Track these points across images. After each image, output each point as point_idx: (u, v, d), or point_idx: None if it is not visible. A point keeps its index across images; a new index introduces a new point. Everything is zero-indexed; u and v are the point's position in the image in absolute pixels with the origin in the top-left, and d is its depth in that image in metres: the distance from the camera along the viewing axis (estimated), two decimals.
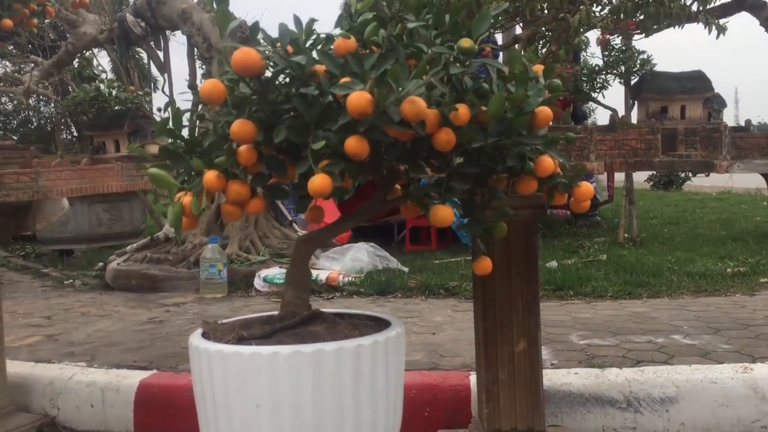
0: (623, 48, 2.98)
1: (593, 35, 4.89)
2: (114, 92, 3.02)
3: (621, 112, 4.61)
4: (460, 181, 1.53)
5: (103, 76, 3.10)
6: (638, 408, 3.16)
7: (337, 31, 1.46)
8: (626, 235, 8.11)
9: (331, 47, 1.41)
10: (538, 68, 1.60)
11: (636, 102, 3.11)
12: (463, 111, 1.38)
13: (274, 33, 1.44)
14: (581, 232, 8.94)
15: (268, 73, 1.43)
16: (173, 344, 4.27)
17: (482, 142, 1.44)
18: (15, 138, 12.77)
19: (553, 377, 3.28)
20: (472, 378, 3.29)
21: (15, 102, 11.67)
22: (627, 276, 5.94)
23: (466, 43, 1.37)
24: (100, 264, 7.25)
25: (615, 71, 2.94)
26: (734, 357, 3.60)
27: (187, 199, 1.48)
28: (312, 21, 1.43)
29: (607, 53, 3.03)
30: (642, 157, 2.46)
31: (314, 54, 1.40)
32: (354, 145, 1.34)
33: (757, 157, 2.16)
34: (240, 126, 1.41)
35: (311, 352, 1.49)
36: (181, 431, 3.36)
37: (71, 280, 7.23)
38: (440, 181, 1.55)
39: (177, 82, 7.01)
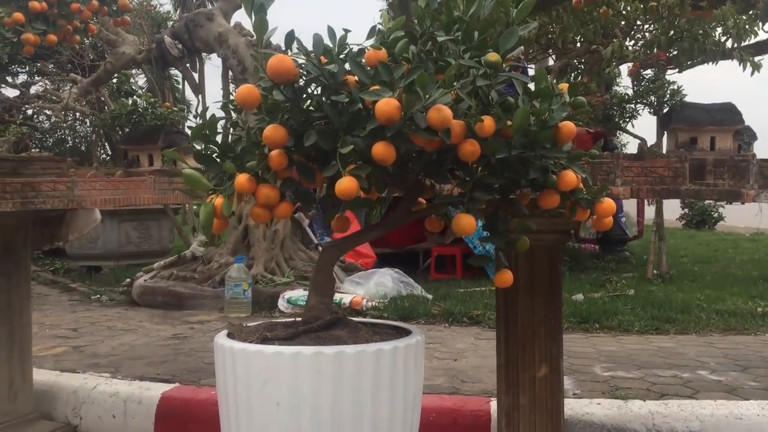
0: (654, 78, 2.99)
1: (624, 67, 4.91)
2: (150, 108, 3.10)
3: (650, 142, 4.60)
4: (484, 192, 1.55)
5: (141, 92, 3.18)
6: None
7: (370, 42, 1.50)
8: (655, 271, 8.01)
9: (362, 59, 1.44)
10: (564, 86, 1.62)
11: (665, 132, 3.11)
12: (488, 123, 1.41)
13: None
14: (609, 266, 8.85)
15: (301, 82, 1.47)
16: (196, 359, 4.30)
17: (506, 153, 1.46)
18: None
19: (575, 406, 3.25)
20: (493, 404, 3.27)
21: (51, 120, 11.97)
22: (654, 311, 5.86)
23: (492, 57, 1.39)
24: (128, 280, 7.34)
25: (645, 101, 2.94)
26: (761, 394, 3.53)
27: (218, 200, 1.51)
28: (346, 33, 1.47)
29: (637, 83, 3.04)
30: (669, 185, 2.45)
31: (346, 64, 1.43)
32: (381, 150, 1.37)
33: None
34: (272, 131, 1.45)
35: (333, 354, 1.51)
36: None
37: (98, 295, 7.33)
38: (464, 192, 1.57)
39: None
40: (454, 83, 1.37)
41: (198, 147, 1.58)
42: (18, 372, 3.50)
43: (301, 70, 1.43)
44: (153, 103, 3.16)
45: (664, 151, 3.09)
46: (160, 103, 3.20)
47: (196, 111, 6.57)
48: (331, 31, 1.47)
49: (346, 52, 1.47)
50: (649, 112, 3.04)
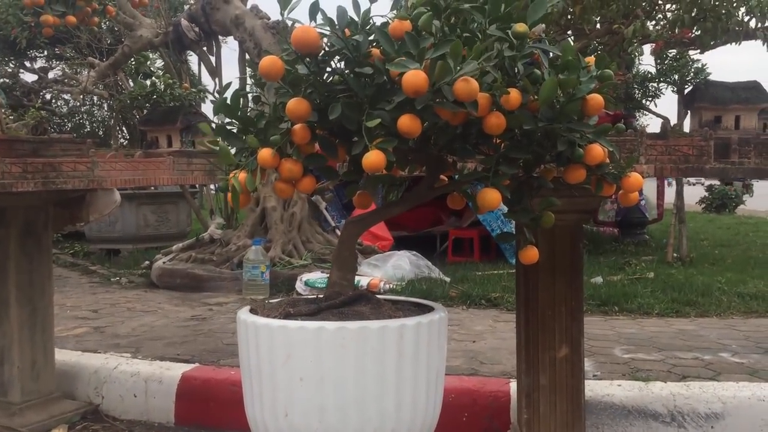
0: (677, 57, 2.94)
1: (647, 47, 4.83)
2: (169, 90, 3.10)
3: (673, 121, 4.52)
4: (509, 166, 1.53)
5: (159, 73, 3.18)
6: (682, 423, 3.09)
7: (393, 14, 1.48)
8: (675, 254, 7.95)
9: (387, 30, 1.42)
10: (590, 59, 1.59)
11: (689, 111, 3.06)
12: (514, 95, 1.38)
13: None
14: (628, 249, 8.79)
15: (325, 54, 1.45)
16: (215, 340, 4.33)
17: (532, 125, 1.43)
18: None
19: (595, 388, 3.23)
20: (512, 385, 3.26)
21: (70, 105, 12.02)
22: (675, 294, 5.81)
23: (521, 27, 1.37)
24: (146, 262, 7.39)
25: (668, 79, 2.90)
26: None
27: (242, 175, 1.51)
28: (370, 7, 1.45)
29: (660, 61, 2.99)
30: (693, 164, 2.41)
31: (371, 36, 1.41)
32: (407, 123, 1.34)
33: None
34: (296, 104, 1.43)
35: (356, 329, 1.50)
36: (220, 425, 3.40)
37: (117, 278, 7.39)
38: (488, 167, 1.55)
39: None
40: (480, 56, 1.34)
41: (220, 121, 1.57)
42: (40, 351, 3.54)
43: (324, 42, 1.41)
44: (171, 84, 3.17)
45: (687, 130, 3.04)
46: (178, 84, 3.20)
47: (213, 93, 6.56)
48: (355, 3, 1.45)
49: (370, 25, 1.45)
50: (672, 91, 3.00)
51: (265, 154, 1.48)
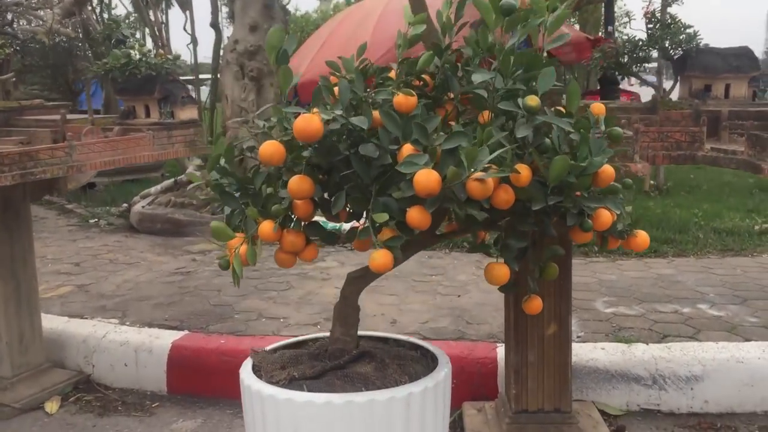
0: (669, 23, 2.86)
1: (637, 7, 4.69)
2: (144, 59, 2.97)
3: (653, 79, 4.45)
4: (517, 239, 1.50)
5: (131, 40, 3.00)
6: (663, 386, 3.20)
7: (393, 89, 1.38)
8: (652, 182, 8.03)
9: (392, 104, 1.34)
10: (598, 109, 1.53)
11: (679, 78, 3.01)
12: (525, 174, 1.34)
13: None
14: None
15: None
16: (202, 300, 4.34)
17: (543, 203, 1.40)
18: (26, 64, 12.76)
19: (580, 352, 3.31)
20: (499, 351, 3.33)
21: (32, 23, 11.53)
22: (653, 232, 5.89)
23: (533, 101, 1.31)
24: (125, 205, 7.31)
25: (657, 45, 2.84)
26: (761, 332, 3.60)
27: (243, 249, 1.46)
28: (370, 65, 1.37)
29: (651, 26, 2.91)
30: (686, 151, 2.40)
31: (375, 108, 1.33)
32: (417, 217, 1.29)
33: None
34: (298, 183, 1.38)
35: (364, 402, 1.50)
36: (211, 392, 3.45)
37: (96, 219, 7.31)
38: (497, 238, 1.52)
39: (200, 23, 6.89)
40: (492, 131, 1.28)
41: (215, 179, 1.51)
42: (27, 324, 3.53)
43: (328, 125, 1.34)
44: (147, 53, 3.04)
45: (677, 97, 3.01)
46: (154, 53, 3.07)
47: (184, 27, 6.34)
48: (358, 77, 1.37)
49: (372, 100, 1.36)
50: (663, 57, 2.93)
51: (266, 228, 1.43)
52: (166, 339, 3.64)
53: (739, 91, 2.91)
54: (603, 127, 1.49)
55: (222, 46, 8.00)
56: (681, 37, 2.84)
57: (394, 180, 1.31)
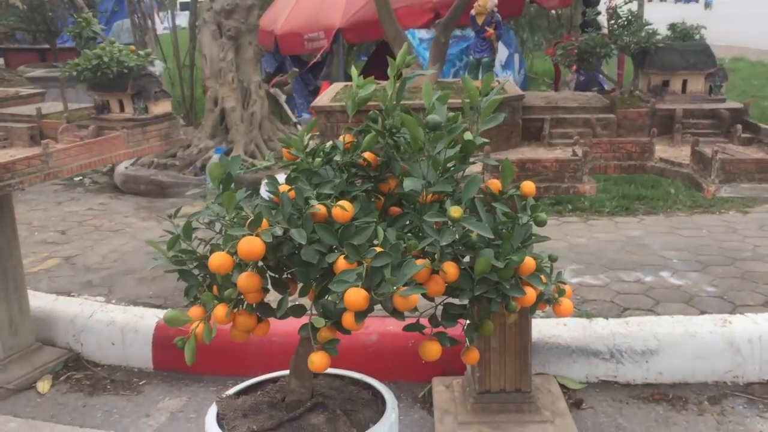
0: (630, 19, 2.93)
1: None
2: (116, 59, 3.01)
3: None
4: (449, 321, 1.64)
5: (101, 41, 2.98)
6: (620, 359, 3.40)
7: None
8: None
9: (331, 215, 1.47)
10: (528, 189, 1.64)
11: (638, 72, 3.10)
12: (451, 271, 1.47)
13: None
14: None
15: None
16: None
17: (469, 294, 1.53)
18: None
19: (543, 328, 3.49)
20: None
21: None
22: (625, 187, 6.05)
23: (456, 213, 1.42)
24: (109, 165, 7.37)
25: (618, 43, 2.91)
26: (717, 304, 3.80)
27: (199, 329, 1.59)
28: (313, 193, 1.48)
29: (613, 21, 2.98)
30: (636, 161, 2.52)
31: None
32: (351, 322, 1.42)
33: (744, 182, 2.22)
34: (246, 280, 1.49)
35: None
36: (198, 371, 3.63)
37: (81, 178, 7.37)
38: (431, 317, 1.66)
39: None
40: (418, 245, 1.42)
41: (174, 256, 1.63)
42: (16, 308, 3.68)
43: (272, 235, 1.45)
44: (119, 51, 3.07)
45: (636, 90, 3.10)
46: (126, 52, 3.10)
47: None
48: (298, 191, 1.48)
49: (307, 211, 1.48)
50: (625, 53, 3.01)
51: (219, 313, 1.56)
52: (150, 319, 3.80)
53: (696, 87, 3.00)
54: (529, 213, 1.61)
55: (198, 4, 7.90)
56: (641, 35, 2.91)
57: (332, 280, 1.44)
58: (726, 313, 3.58)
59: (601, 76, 9.68)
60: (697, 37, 3.05)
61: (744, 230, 5.05)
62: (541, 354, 3.44)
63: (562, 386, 3.33)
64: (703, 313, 3.68)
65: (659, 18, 3.73)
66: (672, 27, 3.09)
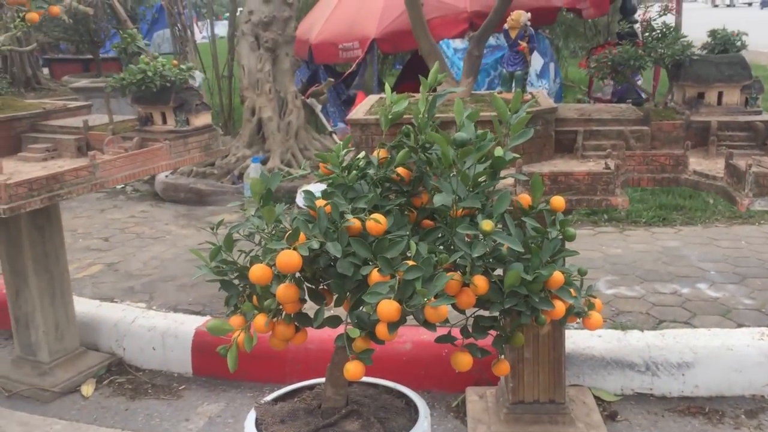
0: (666, 32, 2.93)
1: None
2: (160, 73, 3.12)
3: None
4: (479, 333, 1.68)
5: (144, 56, 3.07)
6: (656, 372, 3.39)
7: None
8: None
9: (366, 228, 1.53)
10: (558, 204, 1.68)
11: (674, 85, 3.09)
12: (481, 284, 1.51)
13: None
14: None
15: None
16: None
17: (500, 307, 1.57)
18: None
19: (577, 340, 3.50)
20: None
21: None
22: (663, 197, 6.00)
23: (487, 226, 1.47)
24: None
25: (652, 55, 2.92)
26: (754, 316, 3.76)
27: (241, 338, 1.66)
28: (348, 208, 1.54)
29: (648, 34, 2.98)
30: (670, 174, 2.52)
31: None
32: (385, 333, 1.47)
33: None
34: (284, 292, 1.55)
35: None
36: (236, 377, 3.71)
37: (123, 186, 7.55)
38: (463, 329, 1.70)
39: None
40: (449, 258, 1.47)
41: (216, 266, 1.69)
42: (62, 314, 3.80)
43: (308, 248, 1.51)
44: (162, 65, 3.18)
45: (671, 101, 3.10)
46: (168, 67, 3.21)
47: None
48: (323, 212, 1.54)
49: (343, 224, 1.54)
50: (659, 65, 3.01)
51: (259, 322, 1.62)
52: (189, 325, 3.90)
53: (731, 99, 2.99)
54: (558, 228, 1.64)
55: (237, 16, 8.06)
56: (676, 47, 2.91)
57: (367, 290, 1.49)
58: (764, 327, 3.55)
59: (639, 82, 9.61)
60: (739, 43, 3.04)
61: None
62: (576, 366, 3.44)
63: (597, 398, 3.33)
64: (740, 326, 3.65)
65: (716, 22, 3.71)
66: (712, 33, 3.09)
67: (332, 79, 8.43)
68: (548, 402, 3.05)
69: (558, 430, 2.98)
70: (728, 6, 38.55)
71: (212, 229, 1.84)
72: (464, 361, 1.68)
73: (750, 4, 38.29)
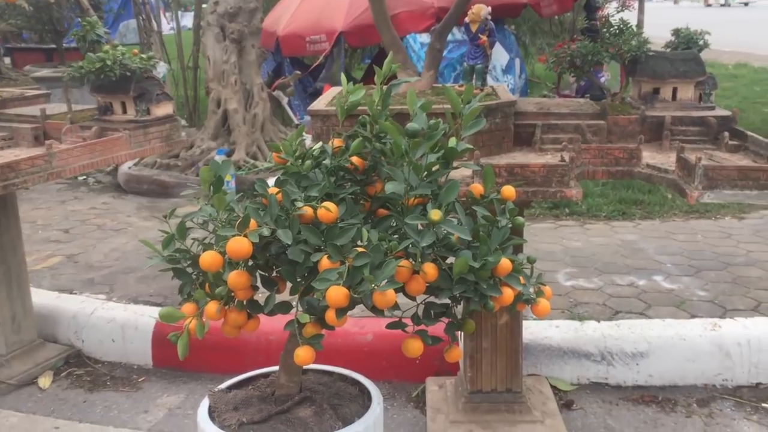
0: (621, 27, 2.99)
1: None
2: (119, 61, 3.09)
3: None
4: (430, 320, 1.71)
5: (104, 44, 3.01)
6: (611, 361, 3.46)
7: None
8: None
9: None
10: (508, 193, 1.71)
11: (630, 79, 3.16)
12: (430, 272, 1.54)
13: None
14: None
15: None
16: None
17: (449, 294, 1.60)
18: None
19: (535, 330, 3.55)
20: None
21: None
22: (623, 192, 6.10)
23: (435, 216, 1.49)
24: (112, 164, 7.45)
25: (608, 52, 2.97)
26: (707, 308, 3.85)
27: (192, 324, 1.66)
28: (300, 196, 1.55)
29: (605, 30, 3.04)
30: (624, 167, 2.57)
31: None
32: (334, 319, 1.49)
33: (727, 188, 2.28)
34: (236, 278, 1.57)
35: None
36: (192, 367, 3.70)
37: (84, 177, 7.45)
38: (414, 315, 1.73)
39: None
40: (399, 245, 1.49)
41: (169, 255, 1.70)
42: (19, 305, 3.75)
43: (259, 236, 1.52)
44: (122, 54, 3.15)
45: (627, 97, 3.17)
46: (128, 56, 3.17)
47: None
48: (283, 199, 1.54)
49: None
50: (616, 60, 3.07)
51: (210, 309, 1.63)
52: (150, 316, 3.86)
53: (686, 94, 3.05)
54: (507, 217, 1.67)
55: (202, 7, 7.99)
56: (632, 43, 2.97)
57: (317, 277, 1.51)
58: (716, 317, 3.64)
59: (603, 80, 9.74)
60: (701, 42, 3.10)
61: (738, 236, 5.10)
62: (534, 355, 3.50)
63: (554, 388, 3.39)
64: (694, 317, 3.74)
65: (691, 21, 3.79)
66: (676, 32, 3.15)
67: (299, 72, 8.41)
68: (505, 391, 3.10)
69: (514, 419, 3.03)
70: (722, 6, 39.01)
71: (165, 217, 1.84)
72: (414, 347, 1.71)
73: (746, 4, 38.82)
